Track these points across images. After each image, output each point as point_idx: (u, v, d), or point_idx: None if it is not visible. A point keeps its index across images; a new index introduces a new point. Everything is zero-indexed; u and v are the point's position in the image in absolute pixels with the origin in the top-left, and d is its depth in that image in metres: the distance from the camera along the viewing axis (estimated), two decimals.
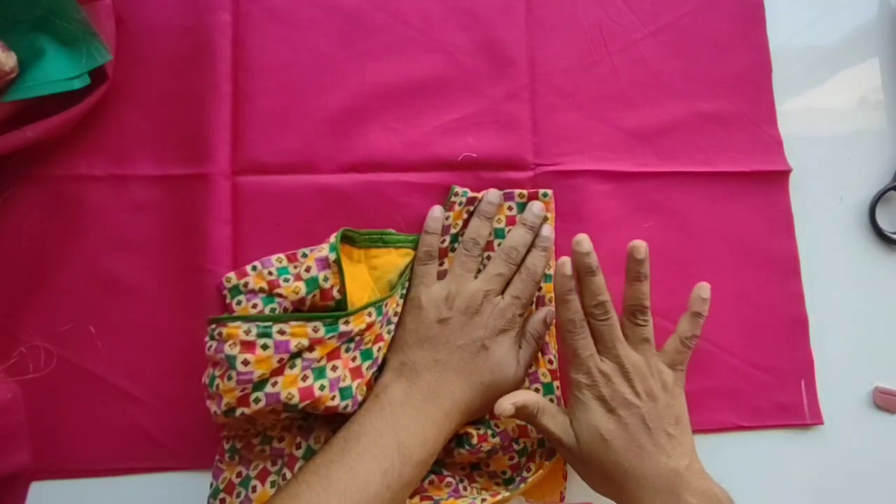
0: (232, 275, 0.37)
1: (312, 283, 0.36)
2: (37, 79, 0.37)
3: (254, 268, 0.37)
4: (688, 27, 0.48)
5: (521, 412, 0.36)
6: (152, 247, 0.41)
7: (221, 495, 0.37)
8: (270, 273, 0.37)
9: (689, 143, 0.46)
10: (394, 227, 0.42)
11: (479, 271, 0.40)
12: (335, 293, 0.36)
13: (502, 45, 0.45)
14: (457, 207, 0.42)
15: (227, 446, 0.37)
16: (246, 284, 0.37)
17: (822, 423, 0.44)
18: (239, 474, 0.37)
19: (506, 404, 0.35)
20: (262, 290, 0.36)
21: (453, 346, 0.37)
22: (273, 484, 0.36)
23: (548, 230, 0.42)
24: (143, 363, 0.40)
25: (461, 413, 0.37)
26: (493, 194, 0.42)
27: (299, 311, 0.36)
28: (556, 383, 0.41)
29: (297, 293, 0.36)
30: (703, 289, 0.38)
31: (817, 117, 0.49)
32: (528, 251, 0.41)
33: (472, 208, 0.42)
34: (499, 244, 0.43)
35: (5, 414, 0.37)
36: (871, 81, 0.50)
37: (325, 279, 0.36)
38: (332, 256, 0.37)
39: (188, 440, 0.39)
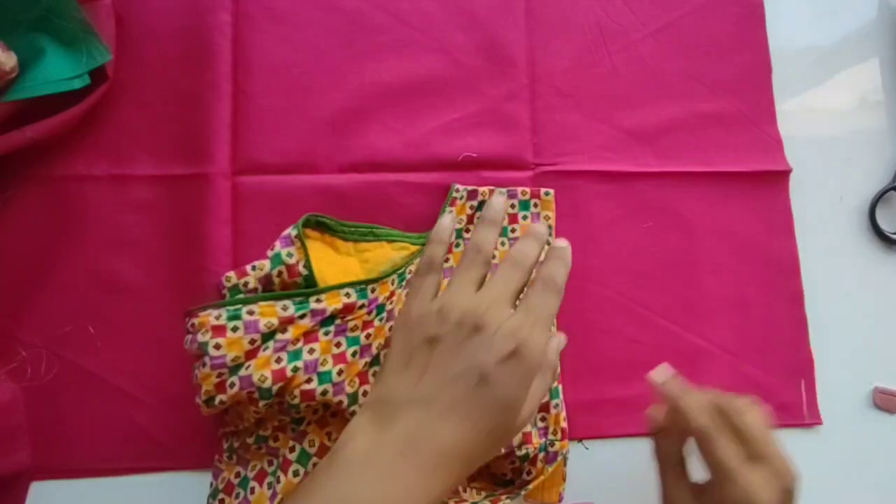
0: (231, 274, 0.37)
1: (276, 259, 0.36)
2: (37, 79, 0.37)
3: (253, 267, 0.37)
4: (688, 27, 0.48)
5: (661, 447, 0.35)
6: (152, 247, 0.41)
7: (220, 496, 0.37)
8: None
9: (689, 143, 0.46)
10: (394, 227, 0.42)
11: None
12: (301, 268, 0.36)
13: (502, 45, 0.45)
14: (458, 202, 0.42)
15: (225, 446, 0.37)
16: (246, 284, 0.37)
17: (821, 423, 0.44)
18: (237, 475, 0.37)
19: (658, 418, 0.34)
20: None
21: (444, 378, 0.27)
22: (269, 486, 0.36)
23: (563, 242, 0.32)
24: (143, 363, 0.39)
25: (449, 468, 0.27)
26: (497, 199, 0.33)
27: (269, 290, 0.37)
28: (561, 387, 0.41)
29: (262, 270, 0.36)
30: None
31: (817, 117, 0.49)
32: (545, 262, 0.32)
33: (474, 203, 0.42)
34: (503, 242, 0.42)
35: (5, 414, 0.37)
36: (871, 81, 0.50)
37: (289, 255, 0.36)
38: (294, 233, 0.37)
39: (188, 440, 0.39)
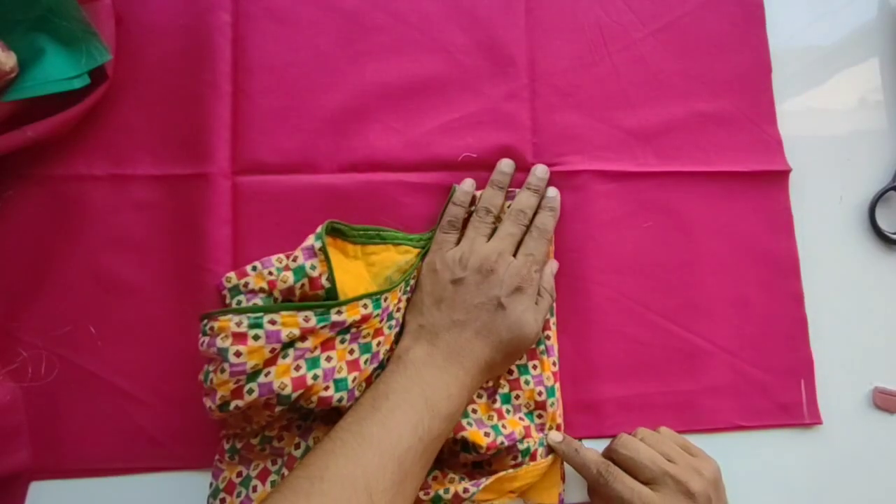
0: (232, 274, 0.37)
1: (300, 271, 0.36)
2: (37, 79, 0.37)
3: (254, 268, 0.37)
4: (688, 27, 0.48)
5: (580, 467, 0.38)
6: (152, 247, 0.41)
7: (222, 495, 0.37)
8: (271, 273, 0.37)
9: (689, 143, 0.46)
10: (394, 227, 0.42)
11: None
12: (324, 281, 0.36)
13: (502, 45, 0.45)
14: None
15: (226, 446, 0.37)
16: (246, 284, 0.37)
17: (821, 423, 0.44)
18: (239, 474, 0.37)
19: (567, 447, 0.39)
20: (262, 289, 0.36)
21: (470, 306, 0.38)
22: (273, 483, 0.36)
23: (553, 191, 0.43)
24: (143, 363, 0.40)
25: (482, 371, 0.37)
26: (505, 163, 0.43)
27: (290, 301, 0.36)
28: (558, 385, 0.41)
29: (285, 282, 0.36)
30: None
31: (817, 117, 0.49)
32: (536, 212, 0.42)
33: (472, 208, 0.42)
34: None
35: (5, 414, 0.37)
36: (871, 81, 0.50)
37: (313, 267, 0.36)
38: (318, 245, 0.37)
39: (188, 440, 0.39)
